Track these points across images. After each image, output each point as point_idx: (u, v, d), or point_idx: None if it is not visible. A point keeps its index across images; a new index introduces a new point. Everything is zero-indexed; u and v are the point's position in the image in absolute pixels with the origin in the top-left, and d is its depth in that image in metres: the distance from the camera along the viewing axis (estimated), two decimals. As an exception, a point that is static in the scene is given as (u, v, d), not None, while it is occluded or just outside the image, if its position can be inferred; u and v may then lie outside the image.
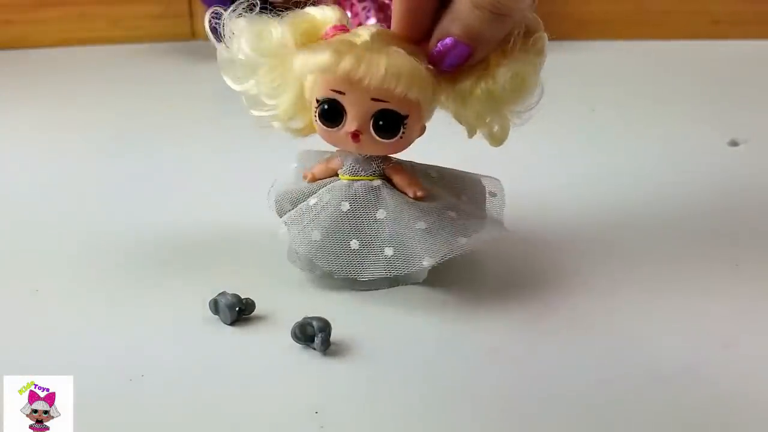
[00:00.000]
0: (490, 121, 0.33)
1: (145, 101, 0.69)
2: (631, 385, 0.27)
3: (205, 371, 0.29)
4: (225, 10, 0.32)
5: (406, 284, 0.34)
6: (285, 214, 0.35)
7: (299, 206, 0.34)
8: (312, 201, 0.34)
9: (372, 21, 0.74)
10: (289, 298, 0.33)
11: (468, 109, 0.32)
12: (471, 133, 0.34)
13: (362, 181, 0.34)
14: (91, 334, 0.31)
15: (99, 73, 0.80)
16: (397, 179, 0.34)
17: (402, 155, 0.34)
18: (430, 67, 0.31)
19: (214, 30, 0.33)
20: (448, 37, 0.30)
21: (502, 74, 0.31)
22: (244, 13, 0.32)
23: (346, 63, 0.30)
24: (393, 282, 0.34)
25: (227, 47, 0.33)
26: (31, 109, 0.67)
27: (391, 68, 0.29)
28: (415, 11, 0.31)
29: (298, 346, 0.30)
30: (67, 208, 0.45)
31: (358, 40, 0.31)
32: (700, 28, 0.83)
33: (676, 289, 0.34)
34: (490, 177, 0.37)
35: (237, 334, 0.31)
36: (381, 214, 0.33)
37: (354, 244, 0.33)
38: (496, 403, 0.27)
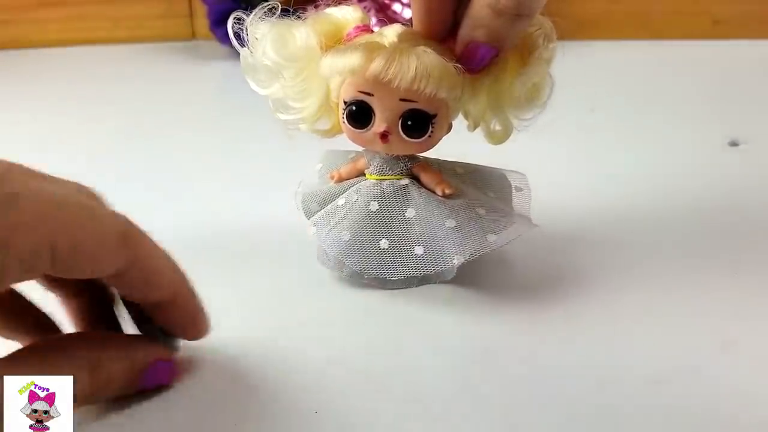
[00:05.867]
0: (493, 120, 0.34)
1: (146, 101, 0.69)
2: (630, 385, 0.27)
3: (206, 371, 0.29)
4: (246, 14, 0.32)
5: (436, 282, 0.34)
6: (312, 215, 0.35)
7: (327, 207, 0.34)
8: (340, 201, 0.34)
9: (372, 21, 0.74)
10: (290, 297, 0.33)
11: (477, 106, 0.33)
12: (473, 127, 0.34)
13: (390, 181, 0.34)
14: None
15: (99, 73, 0.80)
16: (424, 177, 0.34)
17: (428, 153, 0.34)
18: (458, 65, 0.31)
19: (237, 35, 0.33)
20: (473, 42, 0.30)
21: (521, 84, 0.32)
22: (265, 17, 0.32)
23: (377, 65, 0.30)
24: (423, 280, 0.34)
25: (251, 52, 0.33)
26: (31, 109, 0.67)
27: (420, 68, 0.30)
28: (433, 11, 0.31)
29: (298, 346, 0.30)
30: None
31: (386, 41, 0.31)
32: (701, 29, 0.83)
33: (676, 288, 0.34)
34: (516, 172, 0.37)
35: (238, 333, 0.31)
36: (410, 212, 0.33)
37: (384, 243, 0.33)
38: (494, 403, 0.27)
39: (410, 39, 0.31)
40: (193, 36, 0.90)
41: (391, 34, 0.32)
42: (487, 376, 0.28)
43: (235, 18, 0.32)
